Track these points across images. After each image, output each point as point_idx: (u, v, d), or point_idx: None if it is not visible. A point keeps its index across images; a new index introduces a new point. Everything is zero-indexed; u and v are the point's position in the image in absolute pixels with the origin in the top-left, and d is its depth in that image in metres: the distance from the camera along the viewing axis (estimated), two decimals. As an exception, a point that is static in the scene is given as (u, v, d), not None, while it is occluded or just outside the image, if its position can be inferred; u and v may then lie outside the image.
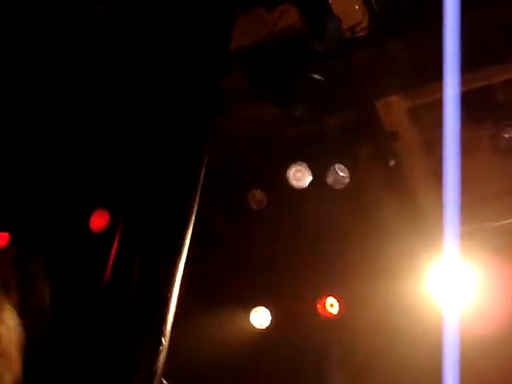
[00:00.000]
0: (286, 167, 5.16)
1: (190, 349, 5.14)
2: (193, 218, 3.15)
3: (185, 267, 3.01)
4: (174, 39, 3.74)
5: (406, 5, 4.46)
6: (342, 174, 5.04)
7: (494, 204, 5.71)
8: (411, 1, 4.50)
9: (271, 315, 5.93)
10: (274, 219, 5.54)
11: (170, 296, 2.90)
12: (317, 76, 4.81)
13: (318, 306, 5.75)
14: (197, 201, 3.21)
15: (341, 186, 5.07)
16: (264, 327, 5.92)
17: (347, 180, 5.05)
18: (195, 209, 3.19)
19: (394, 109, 5.22)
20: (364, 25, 4.69)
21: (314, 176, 5.14)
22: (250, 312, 5.93)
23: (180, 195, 3.23)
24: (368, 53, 4.83)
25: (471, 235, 5.55)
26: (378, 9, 4.66)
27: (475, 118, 5.13)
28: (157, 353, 2.74)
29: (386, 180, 5.27)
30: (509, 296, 5.34)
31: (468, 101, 5.22)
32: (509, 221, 5.59)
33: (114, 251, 3.06)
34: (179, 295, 2.94)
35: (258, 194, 5.41)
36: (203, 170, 3.33)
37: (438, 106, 5.38)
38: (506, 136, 4.88)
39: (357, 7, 4.64)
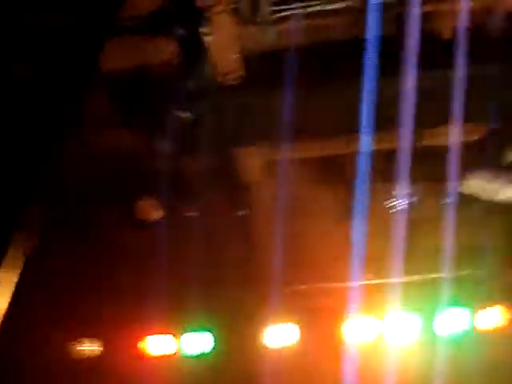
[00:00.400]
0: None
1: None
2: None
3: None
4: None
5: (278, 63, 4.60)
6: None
7: (319, 267, 5.93)
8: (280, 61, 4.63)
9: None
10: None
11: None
12: (183, 114, 4.83)
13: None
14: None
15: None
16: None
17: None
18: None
19: (253, 160, 5.32)
20: (238, 74, 4.77)
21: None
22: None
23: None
24: (237, 101, 4.90)
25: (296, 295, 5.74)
26: (255, 62, 4.78)
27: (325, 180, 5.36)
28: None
29: (234, 228, 5.33)
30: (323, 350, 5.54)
31: (319, 163, 5.50)
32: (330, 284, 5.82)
33: None
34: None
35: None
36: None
37: (295, 164, 5.59)
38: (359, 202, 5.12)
39: (233, 55, 4.73)
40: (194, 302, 5.29)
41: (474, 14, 4.59)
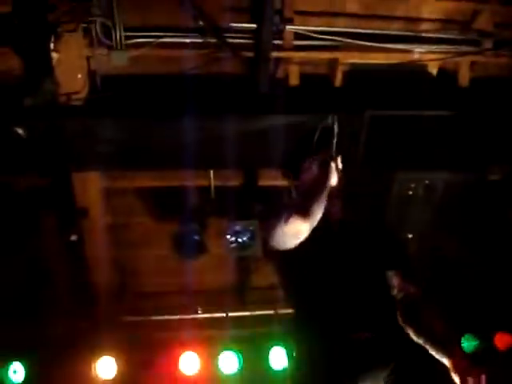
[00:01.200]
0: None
1: None
2: None
3: None
4: None
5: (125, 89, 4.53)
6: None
7: (151, 298, 5.90)
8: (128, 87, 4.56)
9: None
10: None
11: None
12: (20, 131, 4.57)
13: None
14: None
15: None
16: None
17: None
18: None
19: (90, 186, 5.16)
20: (82, 95, 4.62)
21: None
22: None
23: None
24: (77, 123, 4.73)
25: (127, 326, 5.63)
26: (101, 85, 4.66)
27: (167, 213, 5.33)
28: None
29: (65, 253, 5.11)
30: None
31: (162, 196, 5.47)
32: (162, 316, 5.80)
33: None
34: None
35: None
36: None
37: (132, 193, 5.51)
38: (196, 238, 5.13)
39: (79, 76, 4.58)
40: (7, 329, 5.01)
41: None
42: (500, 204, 5.20)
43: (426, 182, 4.24)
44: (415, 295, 2.84)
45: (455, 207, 4.51)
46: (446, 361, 2.56)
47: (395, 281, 2.88)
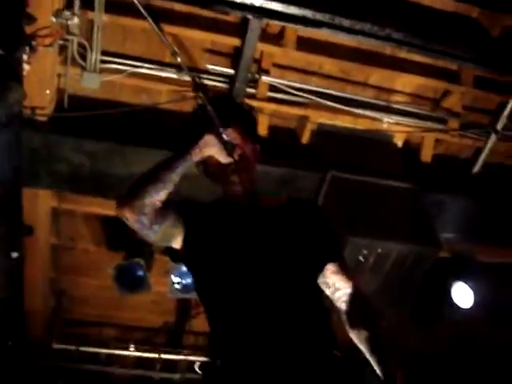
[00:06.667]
0: None
1: None
2: None
3: None
4: None
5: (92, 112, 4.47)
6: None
7: (88, 329, 5.72)
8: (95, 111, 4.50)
9: None
10: None
11: None
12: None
13: None
14: None
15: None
16: None
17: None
18: None
19: (39, 204, 5.02)
20: (47, 111, 4.53)
21: None
22: None
23: None
24: (37, 138, 4.63)
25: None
26: (68, 105, 4.59)
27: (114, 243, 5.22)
28: None
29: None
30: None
31: (111, 225, 5.36)
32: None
33: None
34: None
35: None
36: None
37: (82, 218, 5.38)
38: (139, 273, 5.03)
39: (47, 92, 4.50)
40: None
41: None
42: (444, 281, 5.24)
43: (379, 250, 4.23)
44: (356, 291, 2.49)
45: (403, 279, 4.52)
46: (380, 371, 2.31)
47: (333, 278, 2.49)
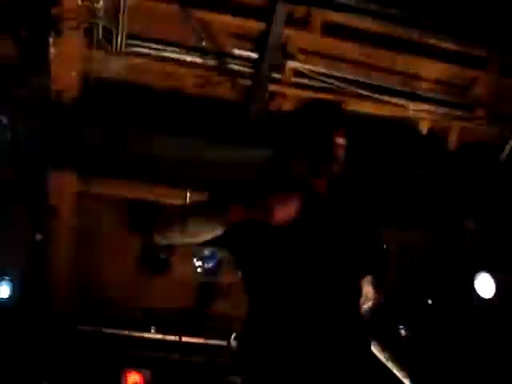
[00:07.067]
0: None
1: None
2: None
3: None
4: None
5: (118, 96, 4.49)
6: None
7: (110, 311, 5.78)
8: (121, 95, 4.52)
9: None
10: None
11: None
12: (3, 119, 4.49)
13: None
14: None
15: None
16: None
17: None
18: None
19: (64, 186, 5.05)
20: (73, 94, 4.55)
21: None
22: None
23: None
24: (63, 122, 4.65)
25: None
26: (95, 89, 4.60)
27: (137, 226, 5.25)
28: None
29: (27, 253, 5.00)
30: None
31: (135, 208, 5.38)
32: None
33: None
34: None
35: None
36: None
37: (106, 201, 5.42)
38: (162, 256, 5.05)
39: (73, 74, 4.52)
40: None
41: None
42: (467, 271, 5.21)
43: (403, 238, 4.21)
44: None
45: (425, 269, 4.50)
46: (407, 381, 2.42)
47: (366, 288, 2.53)
